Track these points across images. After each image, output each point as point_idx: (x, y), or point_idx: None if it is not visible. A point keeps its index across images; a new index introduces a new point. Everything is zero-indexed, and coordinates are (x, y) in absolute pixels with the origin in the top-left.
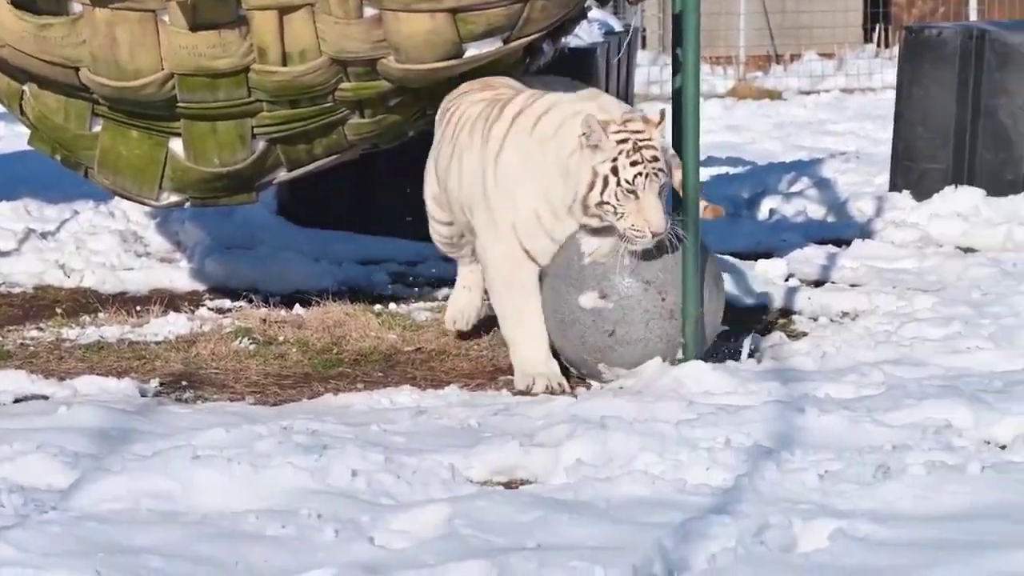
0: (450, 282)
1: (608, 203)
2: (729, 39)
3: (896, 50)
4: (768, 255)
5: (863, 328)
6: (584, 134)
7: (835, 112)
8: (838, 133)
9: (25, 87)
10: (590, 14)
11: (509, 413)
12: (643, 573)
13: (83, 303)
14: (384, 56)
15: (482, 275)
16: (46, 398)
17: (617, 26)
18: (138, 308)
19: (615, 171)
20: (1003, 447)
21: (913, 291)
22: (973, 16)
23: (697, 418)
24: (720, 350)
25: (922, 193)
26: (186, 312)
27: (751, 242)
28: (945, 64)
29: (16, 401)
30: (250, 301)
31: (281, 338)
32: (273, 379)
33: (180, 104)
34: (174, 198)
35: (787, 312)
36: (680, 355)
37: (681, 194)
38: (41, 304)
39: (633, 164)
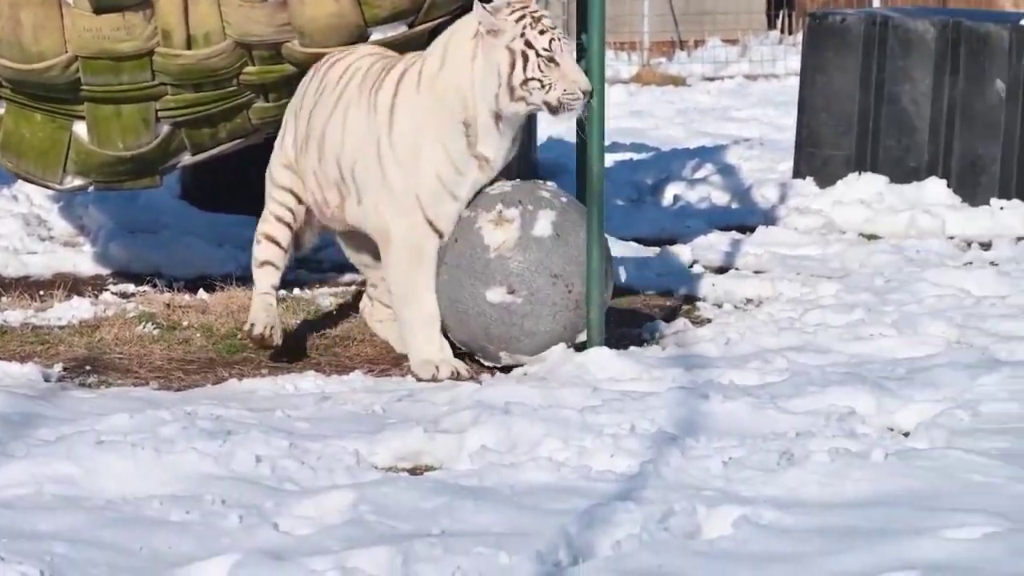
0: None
1: (533, 78)
2: (633, 25)
3: (800, 37)
4: (672, 241)
5: (767, 315)
6: (480, 23)
7: (739, 98)
8: (742, 119)
9: None
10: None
11: (414, 399)
12: (548, 559)
13: None
14: (289, 40)
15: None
16: None
17: None
18: (41, 292)
19: (529, 44)
20: (906, 434)
21: (817, 278)
22: (876, 3)
23: (602, 404)
24: (625, 336)
25: (825, 180)
26: (90, 297)
27: (655, 228)
28: (849, 51)
29: None
30: (154, 286)
31: (185, 323)
32: (177, 364)
33: (84, 87)
34: (78, 182)
35: (691, 299)
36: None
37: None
38: None
39: (542, 33)
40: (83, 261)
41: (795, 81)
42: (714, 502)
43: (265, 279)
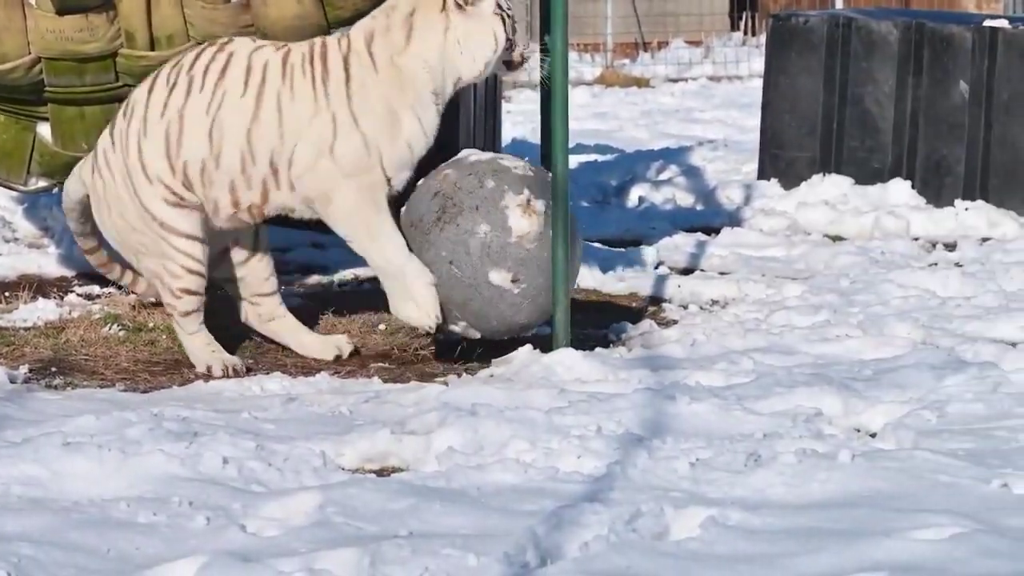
0: (320, 268)
1: (511, 40)
2: (597, 26)
3: (763, 38)
4: (637, 243)
5: (733, 316)
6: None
7: (702, 100)
8: (706, 121)
9: None
10: None
11: (380, 400)
12: (515, 561)
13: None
14: None
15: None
16: None
17: None
18: (7, 294)
19: (500, 6)
20: (873, 435)
21: (782, 279)
22: (839, 4)
23: (568, 406)
24: (591, 338)
25: (790, 181)
26: (55, 298)
27: (620, 230)
28: (812, 52)
29: None
30: (119, 288)
31: (151, 324)
32: (143, 366)
33: (47, 88)
34: (42, 183)
35: (657, 300)
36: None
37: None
38: None
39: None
40: (48, 263)
41: (759, 83)
42: (681, 503)
43: (193, 322)
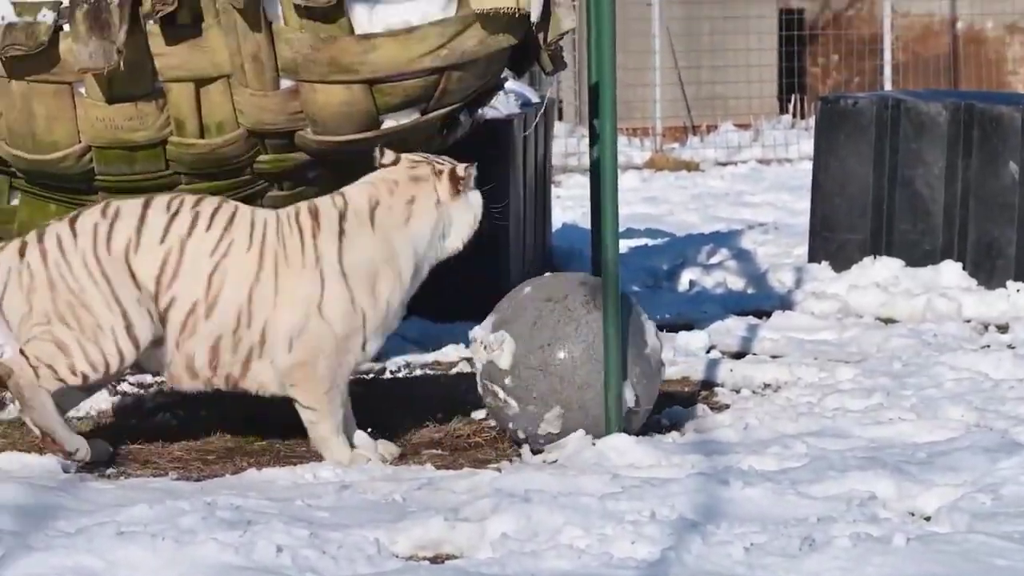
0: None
1: None
2: (645, 110)
3: (812, 120)
4: (689, 327)
5: (785, 400)
6: (463, 180)
7: (752, 183)
8: (756, 204)
9: None
10: (507, 85)
11: (433, 487)
12: None
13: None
14: (301, 128)
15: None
16: None
17: (534, 97)
18: None
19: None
20: (927, 518)
21: (834, 362)
22: (888, 86)
23: (622, 491)
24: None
25: (841, 264)
26: (107, 388)
27: (671, 314)
28: (861, 134)
29: None
30: None
31: (203, 413)
32: (196, 454)
33: (98, 177)
34: None
35: (709, 384)
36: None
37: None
38: None
39: None
40: None
41: (808, 165)
42: None
43: (48, 398)
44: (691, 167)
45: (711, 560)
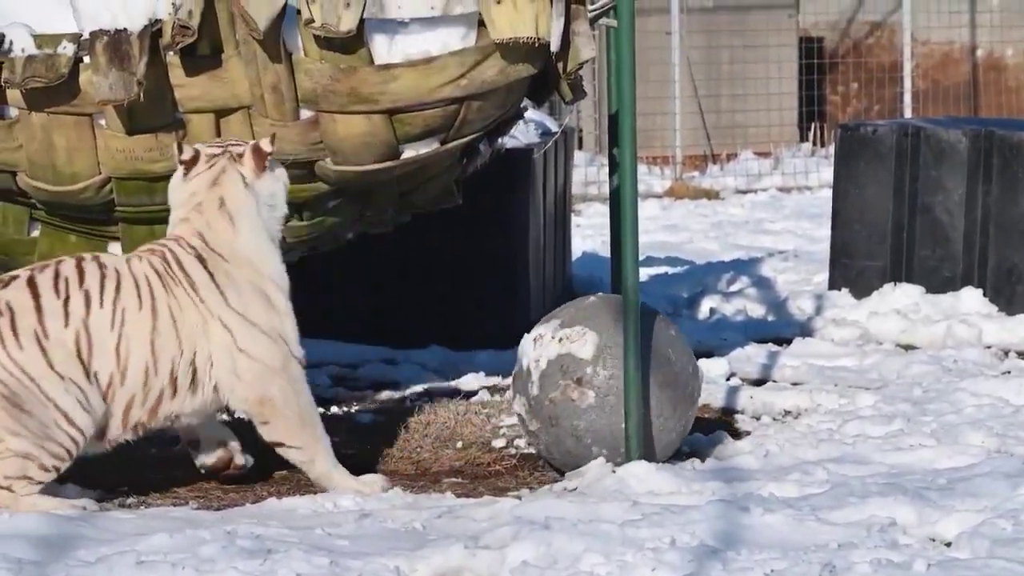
0: (391, 384)
1: None
2: (665, 139)
3: (831, 148)
4: (709, 354)
5: (805, 426)
6: (268, 155)
7: (772, 211)
8: (776, 232)
9: None
10: (527, 115)
11: (453, 515)
12: None
13: None
14: (321, 158)
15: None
16: None
17: (554, 127)
18: None
19: None
20: (948, 544)
21: (855, 389)
22: (908, 113)
23: (642, 518)
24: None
25: (861, 291)
26: None
27: (691, 341)
28: (881, 161)
29: None
30: None
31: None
32: (216, 483)
33: (118, 208)
34: None
35: (729, 411)
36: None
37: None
38: None
39: None
40: None
41: (828, 193)
42: None
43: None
44: (711, 195)
45: None
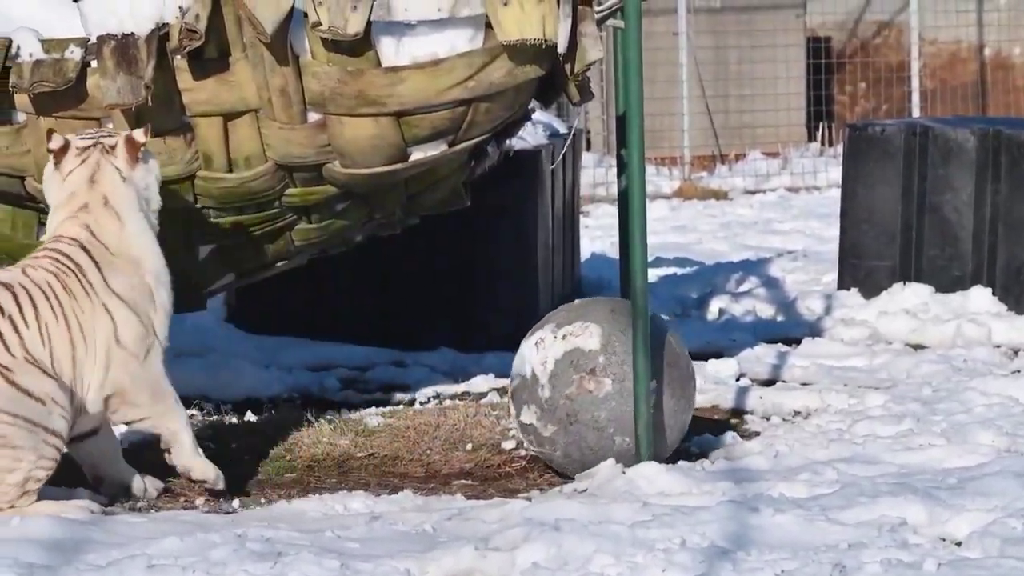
0: (401, 387)
1: None
2: (673, 139)
3: (840, 148)
4: (718, 355)
5: (815, 426)
6: (141, 145)
7: (781, 211)
8: (784, 232)
9: None
10: (534, 116)
11: (464, 517)
12: None
13: None
14: (329, 161)
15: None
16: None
17: (561, 128)
18: None
19: None
20: (958, 544)
21: (864, 389)
22: (916, 113)
23: (652, 519)
24: (673, 451)
25: (870, 291)
26: None
27: (701, 342)
28: (889, 161)
29: None
30: (201, 408)
31: (233, 445)
32: (226, 487)
33: None
34: None
35: (739, 412)
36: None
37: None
38: None
39: None
40: None
41: (837, 193)
42: None
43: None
44: (719, 195)
45: None
